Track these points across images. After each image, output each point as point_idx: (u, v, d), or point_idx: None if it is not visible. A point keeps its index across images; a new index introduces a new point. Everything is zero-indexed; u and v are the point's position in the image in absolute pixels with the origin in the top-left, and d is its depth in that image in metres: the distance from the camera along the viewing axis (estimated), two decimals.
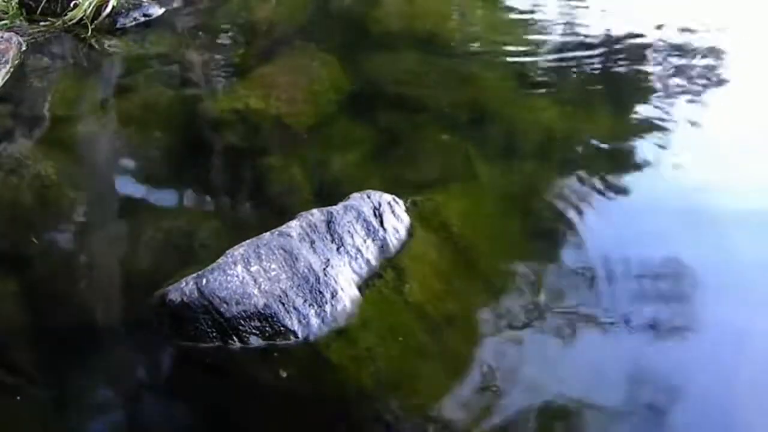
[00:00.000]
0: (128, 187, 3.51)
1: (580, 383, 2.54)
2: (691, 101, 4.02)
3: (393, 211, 3.01)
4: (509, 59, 4.37)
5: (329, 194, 3.19)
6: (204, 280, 2.64)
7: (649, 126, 3.79)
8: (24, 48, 4.34)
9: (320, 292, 2.70)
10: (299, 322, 2.64)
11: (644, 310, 2.78)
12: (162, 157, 3.67)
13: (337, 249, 2.83)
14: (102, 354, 2.73)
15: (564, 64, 4.34)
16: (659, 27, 4.61)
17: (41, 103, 4.02)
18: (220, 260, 2.71)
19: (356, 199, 3.00)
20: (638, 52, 4.39)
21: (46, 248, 3.11)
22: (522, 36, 4.64)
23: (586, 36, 4.56)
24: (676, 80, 4.18)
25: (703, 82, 4.17)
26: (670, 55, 4.37)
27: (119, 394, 2.64)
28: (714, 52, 4.37)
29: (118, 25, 4.61)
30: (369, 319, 2.71)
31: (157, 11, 4.75)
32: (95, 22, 4.54)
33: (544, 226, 3.20)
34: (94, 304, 2.91)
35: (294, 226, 2.84)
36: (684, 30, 4.59)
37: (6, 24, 4.50)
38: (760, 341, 2.67)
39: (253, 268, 2.69)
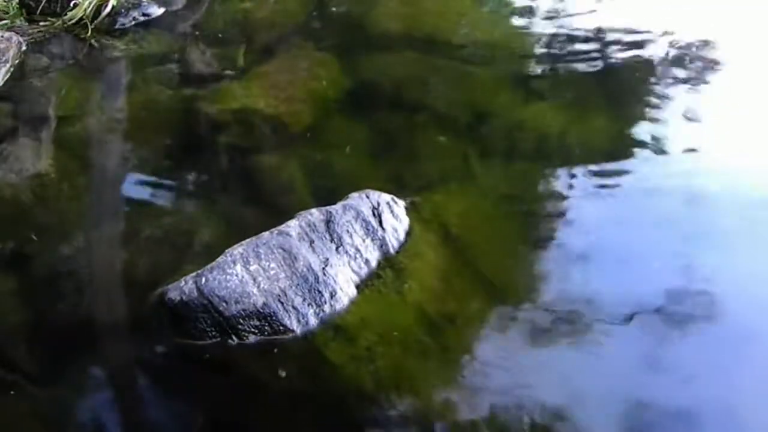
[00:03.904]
0: (127, 186, 3.51)
1: (579, 381, 2.55)
2: (690, 101, 4.01)
3: (392, 211, 3.02)
4: (508, 59, 4.38)
5: (328, 194, 3.20)
6: (203, 279, 2.64)
7: (648, 126, 3.80)
8: (24, 47, 4.34)
9: (319, 292, 2.71)
10: (298, 321, 2.65)
11: (643, 311, 2.79)
12: (161, 157, 3.67)
13: (336, 248, 2.84)
14: (101, 352, 2.73)
15: (563, 64, 4.34)
16: (658, 27, 4.62)
17: (41, 103, 4.02)
18: (219, 259, 2.71)
19: (355, 198, 3.01)
20: (637, 53, 4.39)
21: (46, 247, 3.11)
22: (521, 36, 4.65)
23: (585, 36, 4.56)
24: (675, 80, 4.18)
25: (702, 81, 4.17)
26: (669, 55, 4.37)
27: (118, 392, 2.64)
28: (713, 51, 4.37)
29: (117, 25, 4.61)
30: (368, 318, 2.71)
31: (156, 11, 4.75)
32: (95, 21, 4.54)
33: (543, 226, 3.21)
34: (93, 303, 2.91)
35: (293, 226, 2.85)
36: (683, 29, 4.59)
37: (6, 24, 4.50)
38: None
39: (252, 267, 2.69)
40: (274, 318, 2.63)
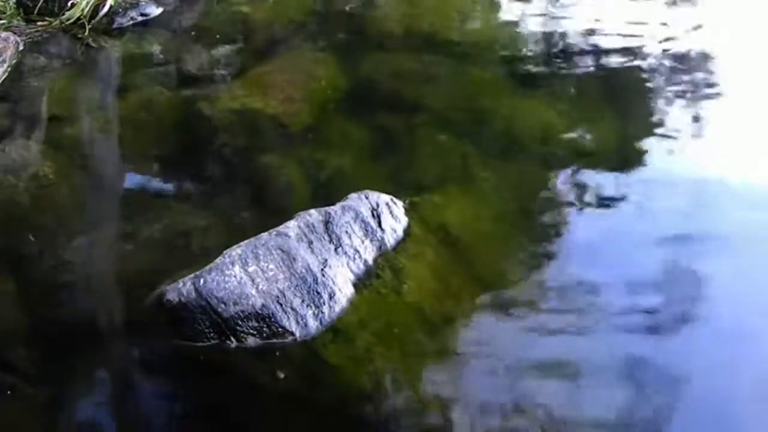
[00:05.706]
0: (125, 186, 3.51)
1: (578, 383, 2.54)
2: (689, 99, 4.02)
3: (391, 212, 3.01)
4: (508, 59, 4.38)
5: (327, 194, 3.19)
6: (201, 281, 2.63)
7: (647, 126, 3.80)
8: (21, 47, 4.33)
9: (318, 293, 2.70)
10: (297, 322, 2.64)
11: (642, 312, 2.79)
12: (159, 157, 3.66)
13: (335, 249, 2.83)
14: (99, 354, 2.72)
15: (563, 64, 4.34)
16: (658, 26, 4.62)
17: (38, 103, 4.01)
18: (217, 260, 2.70)
19: (354, 199, 3.00)
20: (636, 52, 4.40)
21: (44, 248, 3.10)
22: (521, 36, 4.65)
23: (584, 37, 4.57)
24: (674, 79, 4.19)
25: (702, 80, 4.17)
26: (667, 55, 4.38)
27: (116, 394, 2.64)
28: (712, 51, 4.38)
29: (115, 25, 4.61)
30: (367, 319, 2.71)
31: (154, 11, 4.75)
32: (93, 21, 4.53)
33: (542, 227, 3.21)
34: (91, 304, 2.90)
35: (292, 227, 2.84)
36: (682, 30, 4.59)
37: (4, 23, 4.49)
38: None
39: (251, 269, 2.68)
40: (272, 319, 2.62)
